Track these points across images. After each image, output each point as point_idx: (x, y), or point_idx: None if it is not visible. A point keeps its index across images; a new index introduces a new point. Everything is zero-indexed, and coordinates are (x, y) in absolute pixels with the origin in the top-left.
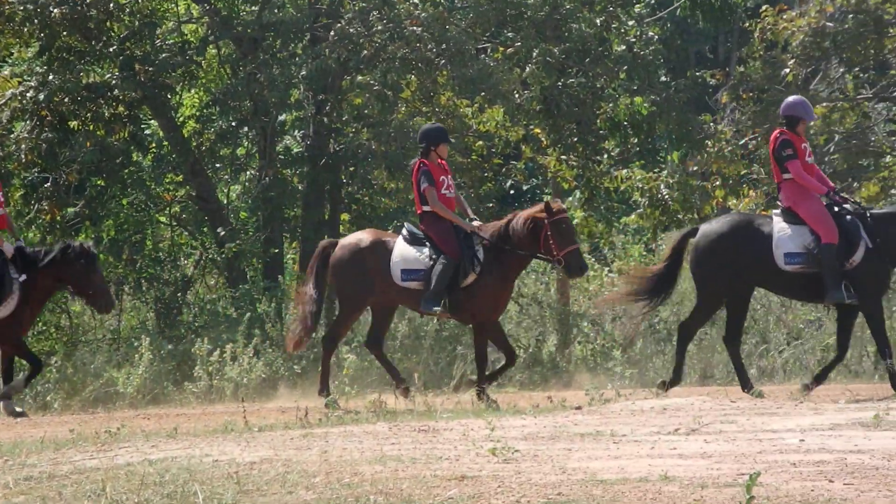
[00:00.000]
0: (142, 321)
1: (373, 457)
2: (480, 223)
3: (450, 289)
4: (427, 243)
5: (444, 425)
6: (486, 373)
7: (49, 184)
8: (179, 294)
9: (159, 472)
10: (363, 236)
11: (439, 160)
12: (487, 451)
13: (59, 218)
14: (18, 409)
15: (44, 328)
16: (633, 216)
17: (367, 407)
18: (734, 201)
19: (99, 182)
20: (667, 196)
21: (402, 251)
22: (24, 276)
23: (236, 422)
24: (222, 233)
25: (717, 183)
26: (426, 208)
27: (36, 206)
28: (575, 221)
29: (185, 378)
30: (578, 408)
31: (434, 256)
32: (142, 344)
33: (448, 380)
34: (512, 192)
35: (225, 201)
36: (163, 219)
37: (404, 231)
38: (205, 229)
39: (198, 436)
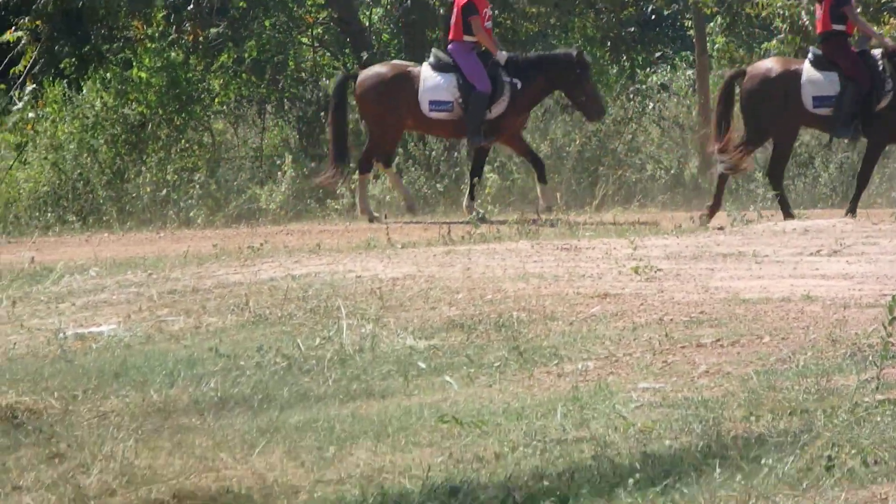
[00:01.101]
0: (284, 139)
1: (515, 274)
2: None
3: (862, 113)
4: (835, 69)
5: (587, 244)
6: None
7: (192, 5)
8: (322, 113)
9: (302, 287)
10: (772, 65)
11: None
12: (630, 269)
13: (201, 38)
14: (479, 212)
15: (187, 145)
16: (773, 42)
17: (511, 225)
18: (875, 28)
19: (241, 3)
20: (807, 22)
21: (809, 76)
22: (517, 81)
23: (379, 238)
24: (365, 56)
25: (858, 10)
26: (836, 27)
27: (179, 27)
28: (716, 47)
29: (327, 195)
30: (721, 228)
31: (843, 82)
32: (284, 162)
33: (590, 199)
34: (653, 17)
35: (367, 24)
36: (305, 40)
37: (810, 55)
38: (347, 52)
39: (341, 252)
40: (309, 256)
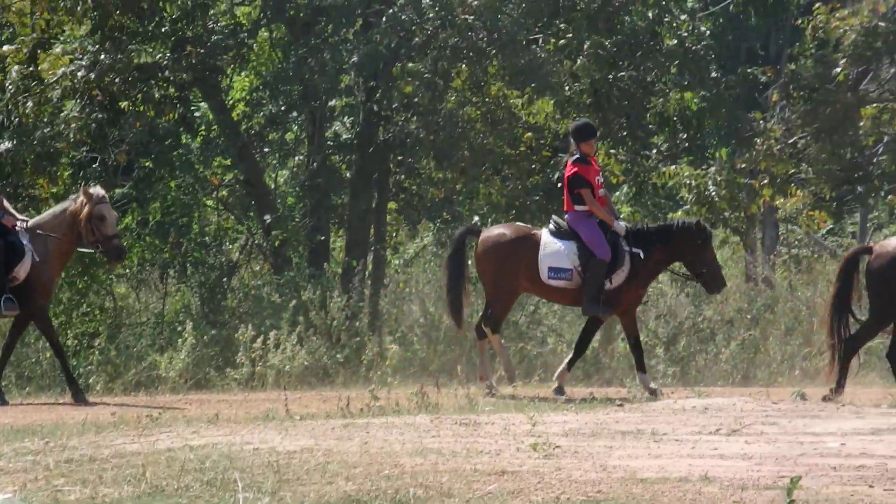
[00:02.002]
0: (186, 305)
1: (413, 449)
2: None
3: None
4: None
5: (486, 419)
6: None
7: (97, 164)
8: (224, 279)
9: (199, 459)
10: None
11: None
12: (528, 446)
13: None
14: (653, 386)
15: (88, 310)
16: (679, 213)
17: (409, 398)
18: (781, 200)
19: (147, 163)
20: (714, 193)
21: None
22: (640, 251)
23: (278, 410)
24: (269, 219)
25: (765, 182)
26: None
27: (84, 186)
28: (622, 216)
29: (227, 364)
30: (620, 405)
31: None
32: (185, 328)
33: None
34: (559, 185)
35: (272, 186)
36: (209, 202)
37: None
38: (251, 214)
39: (239, 423)
40: (207, 427)
